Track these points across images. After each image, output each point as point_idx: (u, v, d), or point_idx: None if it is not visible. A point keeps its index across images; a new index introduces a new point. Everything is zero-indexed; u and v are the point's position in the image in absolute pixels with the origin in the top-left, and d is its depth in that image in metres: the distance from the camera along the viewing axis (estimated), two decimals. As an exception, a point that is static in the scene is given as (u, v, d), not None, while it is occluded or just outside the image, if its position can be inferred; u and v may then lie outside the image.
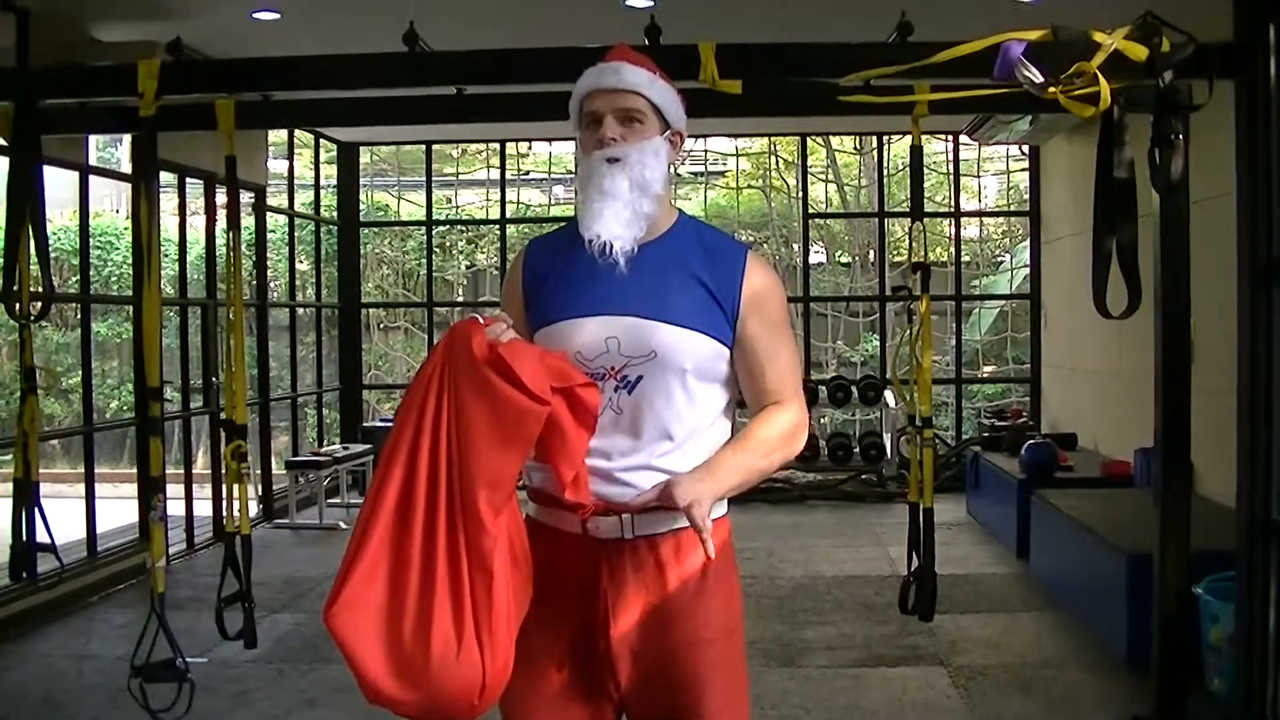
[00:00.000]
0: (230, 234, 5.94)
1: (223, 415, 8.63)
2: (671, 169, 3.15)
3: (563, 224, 3.23)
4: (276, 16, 8.66)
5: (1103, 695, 6.53)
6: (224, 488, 5.95)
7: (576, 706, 3.03)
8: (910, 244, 5.96)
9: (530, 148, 18.08)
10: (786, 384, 3.09)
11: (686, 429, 2.98)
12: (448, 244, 18.94)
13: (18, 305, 5.79)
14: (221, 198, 11.47)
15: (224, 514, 10.75)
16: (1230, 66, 5.06)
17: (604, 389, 2.95)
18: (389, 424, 2.93)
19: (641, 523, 2.94)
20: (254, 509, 11.76)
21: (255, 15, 8.62)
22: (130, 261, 14.59)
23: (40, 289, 6.05)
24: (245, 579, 5.82)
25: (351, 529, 2.85)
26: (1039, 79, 4.69)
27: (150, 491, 5.73)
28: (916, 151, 5.99)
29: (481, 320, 2.84)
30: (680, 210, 3.20)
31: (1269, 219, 4.93)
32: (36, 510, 5.89)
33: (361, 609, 2.74)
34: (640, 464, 2.93)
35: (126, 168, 12.92)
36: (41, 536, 5.98)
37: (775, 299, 3.10)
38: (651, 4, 8.30)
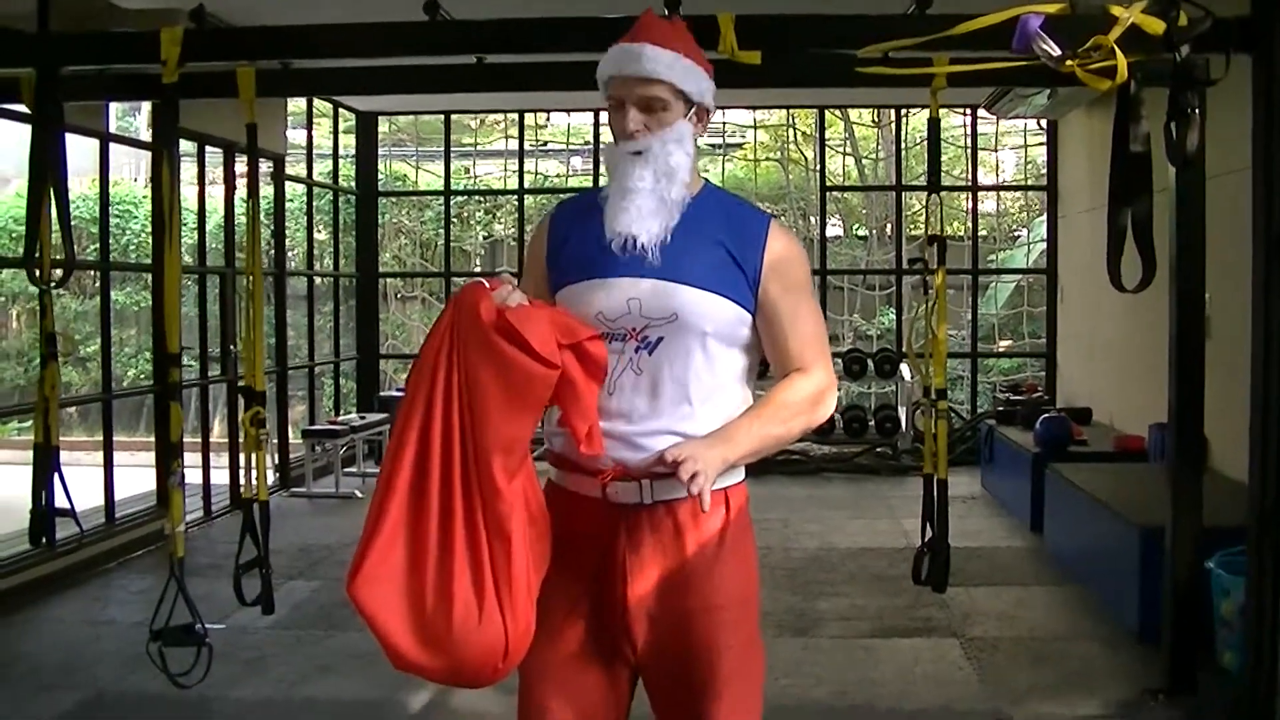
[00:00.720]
0: (250, 203, 5.95)
1: (241, 383, 8.70)
2: (696, 143, 3.14)
3: (599, 188, 3.22)
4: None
5: (1114, 668, 6.54)
6: (242, 455, 5.94)
7: (593, 668, 3.07)
8: (927, 217, 5.97)
9: (549, 118, 18.13)
10: (810, 349, 3.09)
11: (705, 392, 2.99)
12: (465, 214, 18.96)
13: (39, 271, 5.82)
14: (240, 166, 11.51)
15: (241, 481, 10.82)
16: (1247, 41, 5.06)
17: (624, 350, 2.98)
18: (404, 393, 2.96)
19: (660, 488, 2.96)
20: (271, 477, 11.81)
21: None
22: (149, 230, 14.64)
23: (61, 256, 6.08)
24: (264, 546, 5.85)
25: (369, 498, 2.89)
26: (1056, 52, 4.71)
27: (169, 457, 5.75)
28: (934, 124, 5.99)
29: (487, 284, 2.86)
30: (706, 179, 3.22)
31: (1284, 193, 4.95)
32: (57, 476, 5.92)
33: (383, 579, 2.77)
34: (659, 428, 2.94)
35: (145, 135, 12.99)
36: (61, 502, 6.01)
37: (798, 265, 3.12)
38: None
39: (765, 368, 3.18)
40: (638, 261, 2.98)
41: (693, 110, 3.10)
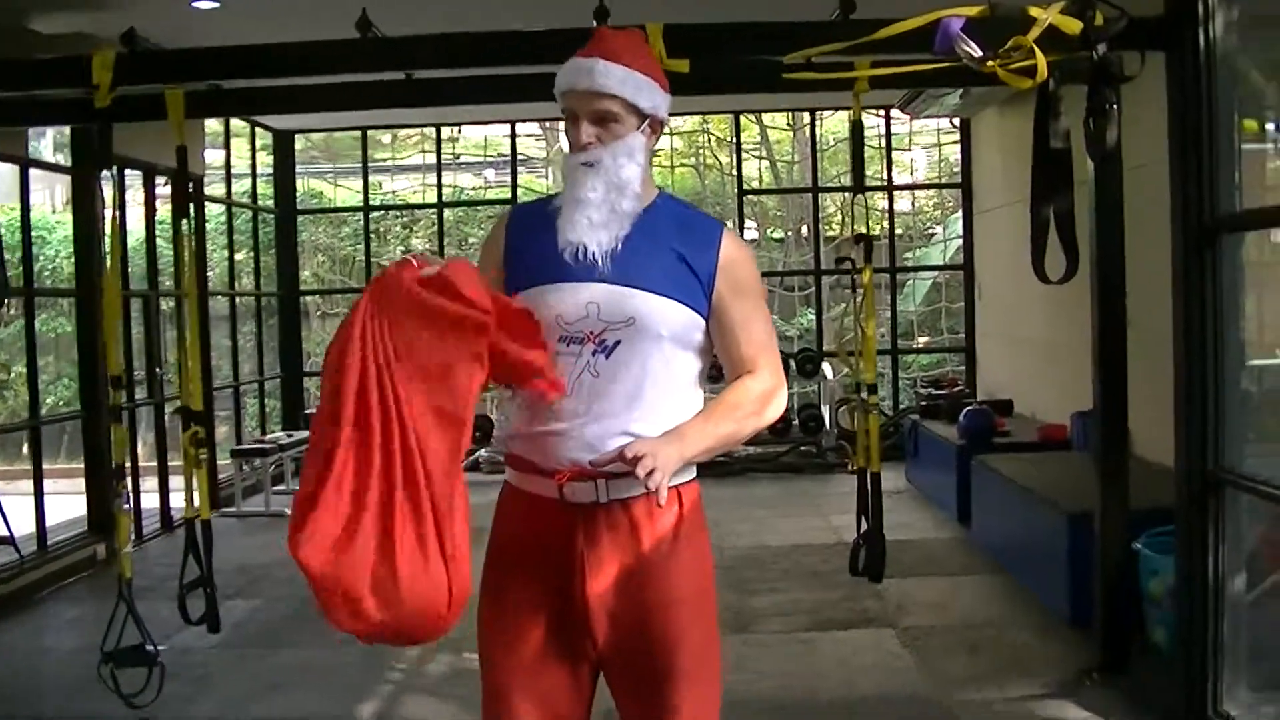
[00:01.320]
0: (186, 225, 6.00)
1: (170, 405, 8.68)
2: (651, 153, 3.24)
3: (556, 194, 3.29)
4: (216, 5, 8.70)
5: (1048, 651, 6.70)
6: (175, 476, 5.98)
7: (554, 666, 3.14)
8: (852, 217, 6.11)
9: (460, 132, 18.15)
10: (761, 353, 3.19)
11: (661, 394, 3.08)
12: (383, 229, 18.96)
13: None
14: (161, 189, 11.51)
15: (174, 503, 10.82)
16: (1161, 39, 5.24)
17: (582, 352, 3.05)
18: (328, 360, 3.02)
19: (616, 487, 3.05)
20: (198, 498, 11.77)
21: (195, 4, 8.65)
22: (65, 254, 14.57)
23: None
24: (207, 564, 5.89)
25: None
26: (978, 53, 4.86)
27: (115, 478, 5.77)
28: (857, 126, 6.11)
29: (414, 261, 2.95)
30: (660, 188, 3.31)
31: (1199, 185, 5.10)
32: (-4, 504, 5.93)
33: (325, 537, 2.79)
34: (616, 429, 3.02)
35: (49, 158, 12.94)
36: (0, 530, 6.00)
37: (748, 272, 3.22)
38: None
39: (716, 371, 3.28)
40: (594, 266, 3.06)
41: (646, 122, 3.17)
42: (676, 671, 3.11)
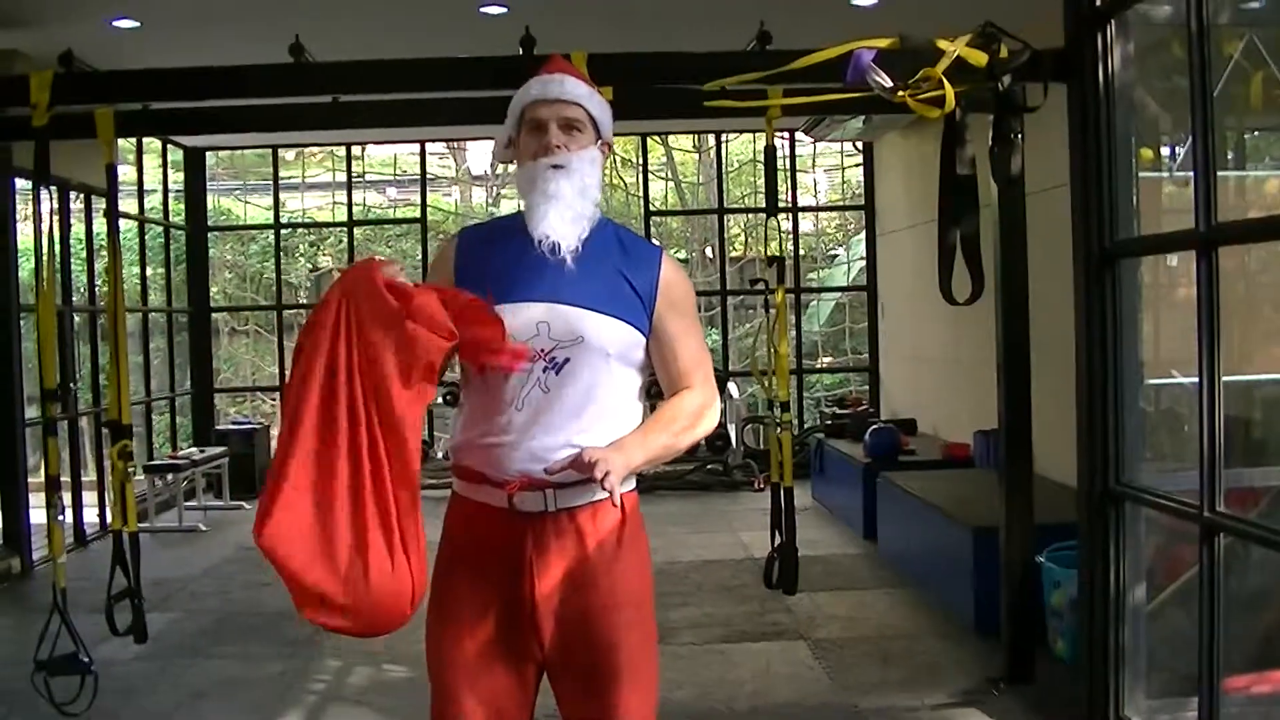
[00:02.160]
0: (111, 240, 6.05)
1: (84, 419, 8.69)
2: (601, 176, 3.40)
3: (504, 216, 3.46)
4: (136, 25, 8.75)
5: (956, 661, 6.89)
6: (109, 488, 6.03)
7: (504, 668, 3.26)
8: (765, 239, 6.26)
9: (365, 150, 18.20)
10: (697, 370, 3.37)
11: (606, 408, 3.23)
12: (290, 247, 18.93)
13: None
14: (74, 205, 11.51)
15: (87, 517, 10.83)
16: (1062, 71, 5.44)
17: (533, 369, 3.18)
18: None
19: (563, 497, 3.19)
20: (109, 514, 11.75)
21: (114, 23, 8.69)
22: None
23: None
24: (135, 575, 5.94)
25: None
26: (888, 84, 5.04)
27: (50, 490, 5.81)
28: (770, 152, 6.28)
29: (378, 261, 3.10)
30: (601, 213, 3.43)
31: (1099, 211, 5.31)
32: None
33: (293, 530, 2.92)
34: (564, 442, 3.14)
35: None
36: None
37: (685, 294, 3.40)
38: (505, 10, 8.52)
39: (653, 386, 3.43)
40: (544, 287, 3.20)
41: (600, 142, 3.36)
42: (616, 672, 3.24)
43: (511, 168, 3.47)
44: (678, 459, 13.34)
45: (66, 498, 11.01)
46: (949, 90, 5.03)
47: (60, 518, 5.75)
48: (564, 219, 3.20)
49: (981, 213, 5.48)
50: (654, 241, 4.04)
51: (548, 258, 3.20)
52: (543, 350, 3.18)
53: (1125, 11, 5.24)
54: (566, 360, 3.18)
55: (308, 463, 2.97)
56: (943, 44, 5.12)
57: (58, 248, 11.44)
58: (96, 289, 11.71)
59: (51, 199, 10.34)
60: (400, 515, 2.99)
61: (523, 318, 3.19)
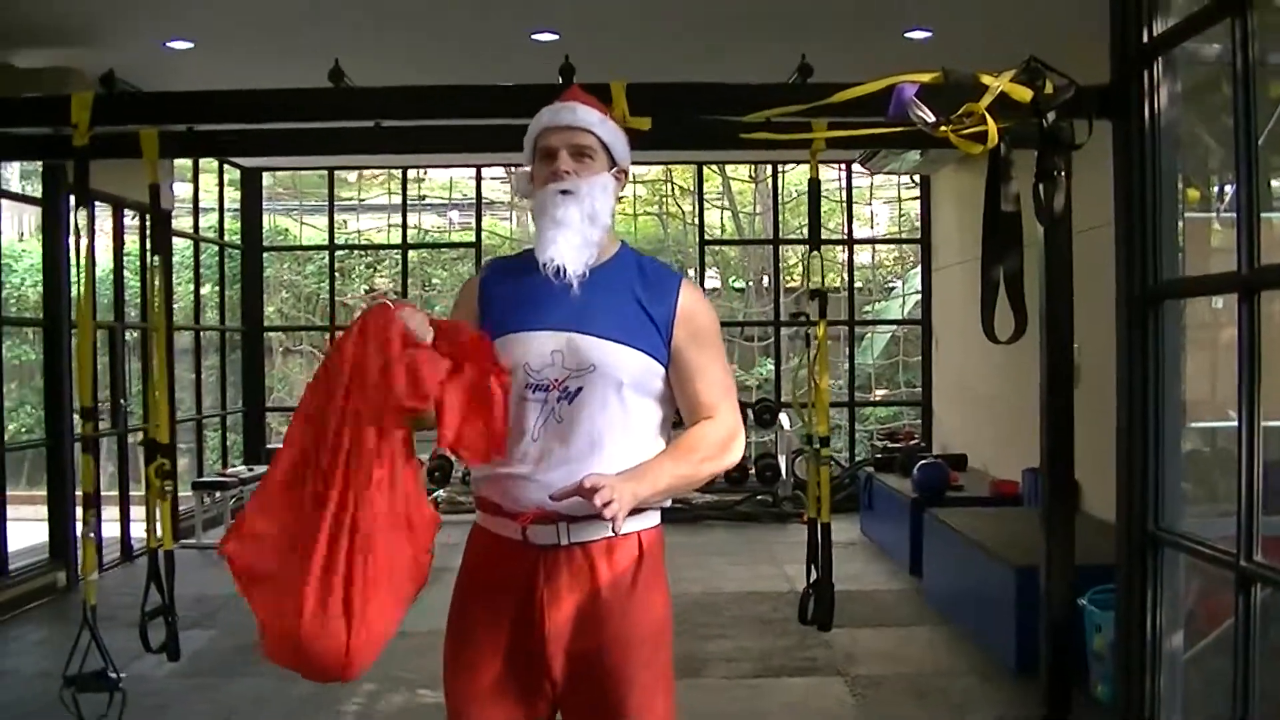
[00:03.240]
0: (157, 261, 6.09)
1: (133, 436, 8.75)
2: (616, 202, 3.39)
3: (529, 248, 3.38)
4: (190, 46, 8.82)
5: (994, 702, 6.81)
6: (145, 505, 6.03)
7: (514, 700, 3.24)
8: (807, 272, 6.21)
9: (426, 174, 18.24)
10: (719, 398, 3.31)
11: (620, 440, 3.20)
12: (347, 268, 19.00)
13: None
14: (129, 222, 11.59)
15: (135, 533, 10.82)
16: (1108, 107, 5.39)
17: (547, 399, 3.17)
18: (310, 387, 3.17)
19: (576, 530, 3.17)
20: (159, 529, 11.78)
21: (169, 44, 8.76)
22: (29, 283, 14.60)
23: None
24: (169, 593, 5.95)
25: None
26: (931, 119, 4.99)
27: (84, 507, 5.84)
28: (814, 185, 6.22)
29: (392, 305, 3.08)
30: (622, 240, 3.44)
31: (1143, 250, 5.24)
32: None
33: (252, 550, 3.01)
34: (576, 474, 3.08)
35: (15, 187, 12.99)
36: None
37: (706, 319, 3.35)
38: (556, 37, 8.53)
39: (681, 421, 3.39)
40: (560, 316, 3.20)
41: (614, 168, 3.35)
42: (630, 710, 3.22)
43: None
44: (726, 489, 13.54)
45: (114, 513, 11.11)
46: (991, 126, 4.98)
47: (92, 535, 5.76)
48: (571, 244, 3.18)
49: (1027, 250, 5.43)
50: (675, 268, 4.00)
51: (563, 286, 3.18)
52: (556, 380, 3.18)
53: (1173, 49, 5.18)
54: (580, 389, 3.17)
55: (283, 489, 3.03)
56: (986, 79, 5.07)
57: (110, 265, 11.57)
58: (149, 307, 11.79)
59: (91, 218, 10.39)
60: (350, 569, 2.96)
61: (537, 346, 3.20)
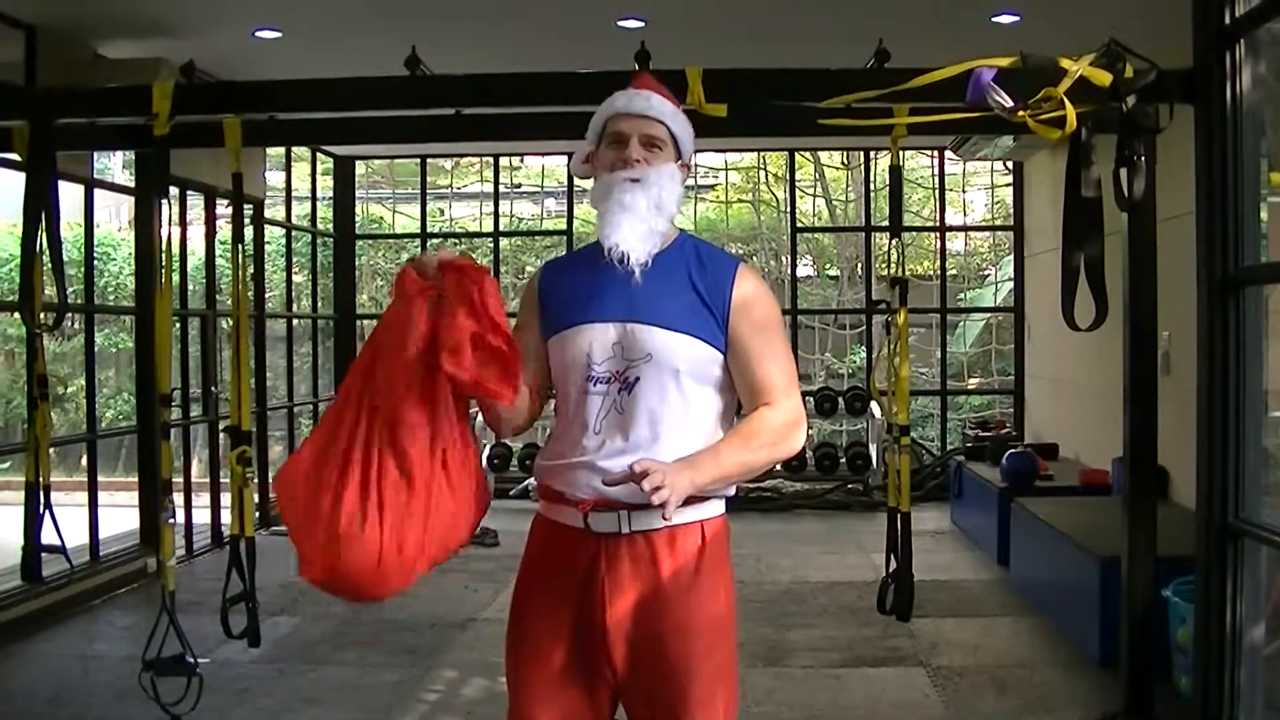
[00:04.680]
0: (236, 248, 6.14)
1: (224, 423, 8.87)
2: (681, 191, 3.37)
3: (584, 244, 3.49)
4: (278, 35, 8.91)
5: (1075, 693, 6.74)
6: (229, 492, 6.12)
7: (575, 686, 3.26)
8: (889, 259, 6.17)
9: (523, 161, 18.29)
10: (778, 384, 3.28)
11: (679, 429, 3.21)
12: (442, 255, 19.03)
13: (31, 315, 6.00)
14: (221, 209, 11.74)
15: (225, 519, 10.95)
16: (1189, 91, 5.30)
17: (608, 391, 3.21)
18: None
19: (638, 519, 3.18)
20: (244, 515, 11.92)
21: (258, 33, 8.86)
22: (128, 272, 14.81)
23: (55, 299, 6.27)
24: (250, 580, 6.02)
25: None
26: (1009, 104, 4.96)
27: (162, 493, 5.94)
28: (895, 171, 6.19)
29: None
30: (682, 229, 3.45)
31: (1225, 236, 5.16)
32: (48, 513, 6.08)
33: (296, 475, 3.11)
34: (633, 453, 3.14)
35: (120, 178, 13.17)
36: (51, 539, 6.16)
37: (764, 305, 3.33)
38: (643, 24, 8.52)
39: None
40: (618, 307, 3.22)
41: (680, 161, 3.35)
42: (690, 701, 3.21)
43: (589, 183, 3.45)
44: (817, 477, 13.51)
45: (205, 499, 11.27)
46: (1070, 111, 4.94)
47: (172, 520, 5.85)
48: (636, 231, 3.19)
49: (1112, 237, 5.36)
50: (734, 253, 4.00)
51: (620, 274, 3.19)
52: (617, 372, 3.21)
53: (1256, 30, 5.08)
54: (638, 379, 3.20)
55: (329, 419, 3.13)
56: (1065, 63, 5.02)
57: (204, 254, 11.71)
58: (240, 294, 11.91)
59: (179, 206, 10.57)
60: (383, 489, 3.03)
61: (597, 337, 3.23)
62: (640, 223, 3.19)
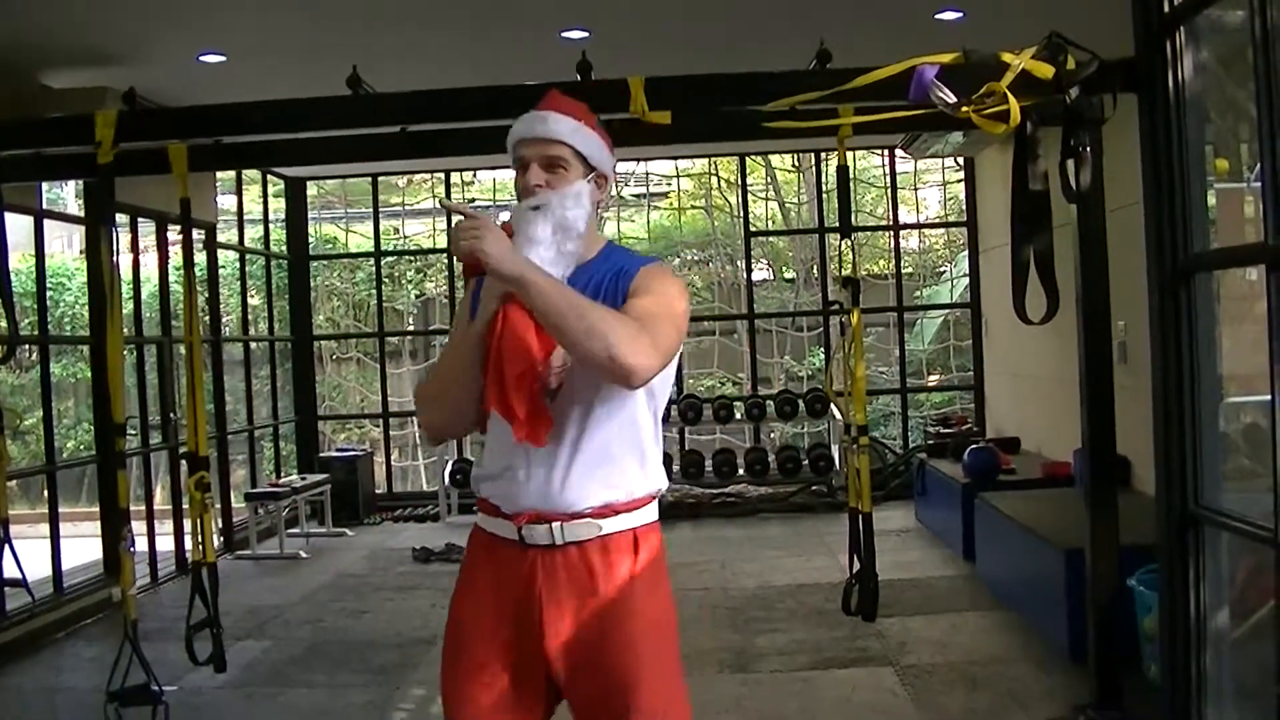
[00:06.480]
0: (186, 273, 6.10)
1: (183, 449, 8.83)
2: (597, 206, 3.36)
3: None
4: (223, 59, 8.85)
5: (1047, 688, 6.74)
6: (188, 519, 6.09)
7: (514, 702, 3.26)
8: (839, 259, 6.17)
9: (475, 176, 18.28)
10: (640, 315, 3.10)
11: (602, 432, 3.22)
12: (396, 274, 19.04)
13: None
14: (173, 235, 11.67)
15: (188, 546, 10.87)
16: (1132, 81, 5.31)
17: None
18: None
19: (570, 530, 3.20)
20: (215, 540, 11.85)
21: (202, 58, 8.80)
22: (83, 301, 14.69)
23: (4, 332, 6.22)
24: (213, 606, 5.98)
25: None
26: (952, 99, 4.96)
27: (121, 522, 5.90)
28: (843, 171, 6.20)
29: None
30: (608, 240, 3.46)
31: (1173, 224, 5.17)
32: (7, 547, 6.03)
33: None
34: (563, 468, 3.19)
35: (73, 207, 13.09)
36: (12, 572, 6.12)
37: (657, 281, 3.25)
38: (587, 35, 8.51)
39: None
40: None
41: (592, 174, 3.32)
42: (634, 712, 3.20)
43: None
44: (780, 480, 13.50)
45: (168, 526, 11.20)
46: (1014, 104, 4.94)
47: (132, 549, 5.81)
48: (544, 260, 3.14)
49: (1061, 229, 5.37)
50: (654, 256, 3.97)
51: None
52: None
53: (1195, 18, 5.09)
54: (560, 385, 3.19)
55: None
56: (1007, 57, 5.03)
57: (156, 281, 11.65)
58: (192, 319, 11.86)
59: (130, 234, 10.50)
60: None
61: None
62: (545, 250, 3.16)
